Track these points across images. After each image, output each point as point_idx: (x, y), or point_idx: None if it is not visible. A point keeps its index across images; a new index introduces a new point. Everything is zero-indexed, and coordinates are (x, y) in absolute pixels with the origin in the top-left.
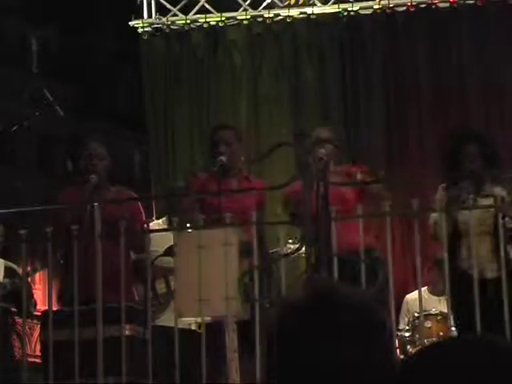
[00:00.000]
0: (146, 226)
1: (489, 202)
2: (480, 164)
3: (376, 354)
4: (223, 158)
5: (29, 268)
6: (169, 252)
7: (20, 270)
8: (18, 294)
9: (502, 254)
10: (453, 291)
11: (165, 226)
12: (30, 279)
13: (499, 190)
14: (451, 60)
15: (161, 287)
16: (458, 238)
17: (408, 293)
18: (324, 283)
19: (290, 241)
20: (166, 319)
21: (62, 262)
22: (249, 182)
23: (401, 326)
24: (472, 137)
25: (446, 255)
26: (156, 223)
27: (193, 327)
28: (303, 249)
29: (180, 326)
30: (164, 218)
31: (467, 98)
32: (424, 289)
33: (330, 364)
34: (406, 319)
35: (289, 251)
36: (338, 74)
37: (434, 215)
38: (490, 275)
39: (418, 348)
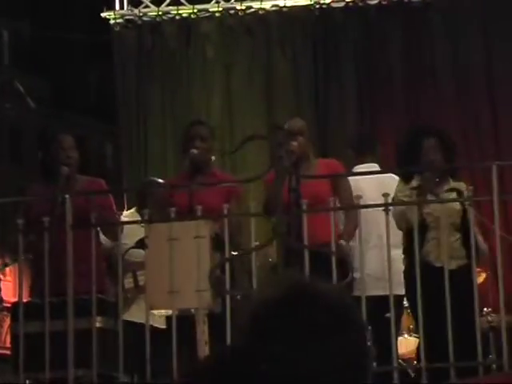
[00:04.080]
0: (117, 216)
1: (453, 195)
2: (440, 157)
3: (349, 350)
4: (195, 151)
5: None
6: (140, 245)
7: None
8: None
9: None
10: (415, 281)
11: (133, 218)
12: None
13: (462, 185)
14: (423, 53)
15: (128, 281)
16: (424, 230)
17: None
18: (299, 279)
19: None
20: (132, 314)
21: (31, 256)
22: (215, 178)
23: None
24: (432, 131)
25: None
26: (125, 214)
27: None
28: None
29: (141, 321)
30: (132, 210)
31: (440, 90)
32: None
33: (305, 359)
34: None
35: (260, 244)
36: (310, 66)
37: (398, 208)
38: (452, 266)
39: None
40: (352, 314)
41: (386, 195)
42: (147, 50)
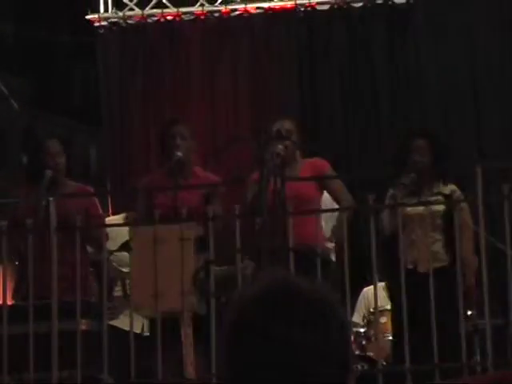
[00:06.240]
0: (102, 220)
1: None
2: (429, 159)
3: (330, 347)
4: (180, 154)
5: None
6: (124, 247)
7: None
8: None
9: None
10: (395, 284)
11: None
12: None
13: (453, 188)
14: (408, 54)
15: (117, 289)
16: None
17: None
18: (281, 276)
19: None
20: (119, 322)
21: (14, 258)
22: (198, 178)
23: (355, 319)
24: (422, 132)
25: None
26: (112, 219)
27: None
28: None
29: (127, 329)
30: (122, 215)
31: (425, 92)
32: (381, 284)
33: (287, 355)
34: (362, 313)
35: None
36: (295, 68)
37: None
38: (425, 269)
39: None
40: (333, 311)
41: None
42: (132, 52)
